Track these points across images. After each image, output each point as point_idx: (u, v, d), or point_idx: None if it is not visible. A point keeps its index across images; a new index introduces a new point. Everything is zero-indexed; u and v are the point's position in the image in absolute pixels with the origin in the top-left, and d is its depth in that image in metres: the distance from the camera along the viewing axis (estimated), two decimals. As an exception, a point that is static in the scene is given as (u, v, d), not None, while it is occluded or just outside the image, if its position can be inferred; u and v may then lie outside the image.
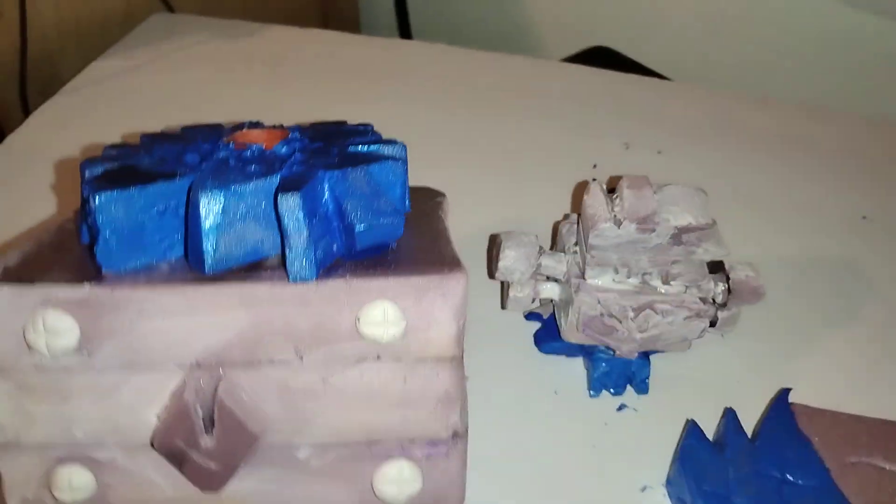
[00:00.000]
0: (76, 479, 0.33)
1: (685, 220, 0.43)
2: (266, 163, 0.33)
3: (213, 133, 0.38)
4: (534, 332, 0.50)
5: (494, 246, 0.47)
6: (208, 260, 0.31)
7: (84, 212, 0.33)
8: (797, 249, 0.58)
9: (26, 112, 0.72)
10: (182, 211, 0.32)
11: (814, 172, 0.66)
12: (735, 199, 0.62)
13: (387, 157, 0.34)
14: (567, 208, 0.60)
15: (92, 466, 0.33)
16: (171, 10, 0.83)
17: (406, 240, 0.35)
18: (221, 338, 0.32)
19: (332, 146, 0.35)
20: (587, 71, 0.80)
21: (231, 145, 0.35)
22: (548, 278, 0.47)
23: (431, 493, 0.34)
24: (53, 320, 0.31)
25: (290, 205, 0.30)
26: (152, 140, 0.37)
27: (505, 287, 0.48)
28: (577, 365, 0.49)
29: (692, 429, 0.42)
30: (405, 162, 0.35)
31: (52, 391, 0.32)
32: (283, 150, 0.35)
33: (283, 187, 0.31)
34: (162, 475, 0.33)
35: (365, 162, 0.33)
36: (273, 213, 0.32)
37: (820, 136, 0.70)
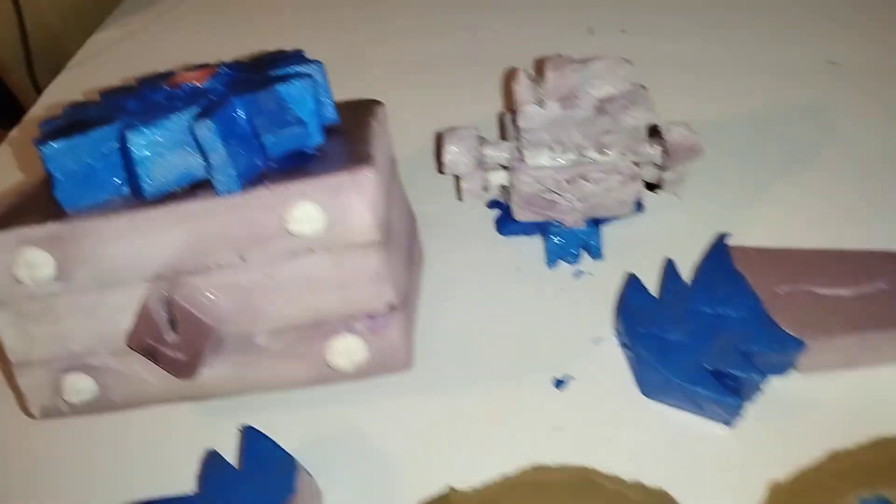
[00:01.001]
0: (79, 384, 0.39)
1: (606, 91, 0.46)
2: (191, 98, 0.38)
3: (158, 79, 0.42)
4: (495, 218, 0.54)
5: (440, 143, 0.51)
6: (146, 187, 0.36)
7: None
8: (760, 103, 0.60)
9: (38, 91, 0.78)
10: (120, 153, 0.37)
11: (777, 19, 0.66)
12: (701, 62, 0.63)
13: (295, 76, 0.38)
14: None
15: (91, 372, 0.39)
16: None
17: (331, 146, 0.39)
18: (171, 253, 0.37)
19: (256, 75, 0.39)
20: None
21: (166, 88, 0.40)
22: (501, 167, 0.51)
23: (378, 361, 0.40)
24: (31, 256, 0.37)
25: (204, 130, 0.35)
26: (107, 94, 0.42)
27: (457, 180, 0.52)
28: (537, 242, 0.52)
29: (631, 280, 0.46)
30: (315, 78, 0.39)
31: (45, 315, 0.38)
32: (210, 84, 0.40)
33: (198, 116, 0.36)
34: (149, 373, 0.39)
35: (274, 83, 0.38)
36: (198, 141, 0.37)
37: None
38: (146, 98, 0.39)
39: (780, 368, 0.42)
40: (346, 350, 0.39)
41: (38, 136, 0.37)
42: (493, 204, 0.55)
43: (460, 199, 0.52)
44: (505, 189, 0.53)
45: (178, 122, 0.36)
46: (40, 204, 0.39)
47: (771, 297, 0.43)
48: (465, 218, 0.55)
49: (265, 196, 0.36)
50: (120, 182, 0.38)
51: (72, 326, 0.39)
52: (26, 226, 0.37)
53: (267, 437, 0.39)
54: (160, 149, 0.36)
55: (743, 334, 0.42)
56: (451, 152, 0.49)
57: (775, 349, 0.41)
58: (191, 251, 0.37)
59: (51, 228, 0.36)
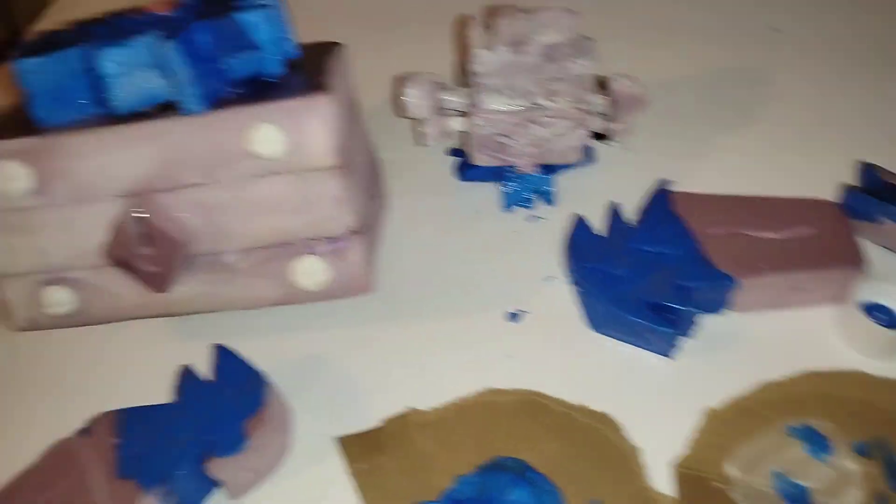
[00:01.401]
0: (58, 296, 0.42)
1: (554, 38, 0.49)
2: (156, 24, 0.40)
3: (127, 11, 0.45)
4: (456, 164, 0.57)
5: (399, 85, 0.54)
6: (115, 104, 0.39)
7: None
8: (706, 65, 0.62)
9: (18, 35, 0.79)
10: (92, 72, 0.40)
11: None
12: (651, 26, 0.66)
13: (252, 7, 0.41)
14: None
15: (69, 285, 0.42)
16: None
17: (291, 77, 0.42)
18: (141, 170, 0.40)
19: (218, 6, 0.42)
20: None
21: (134, 17, 0.43)
22: (459, 113, 0.53)
23: (341, 282, 0.42)
24: (8, 169, 0.39)
25: (168, 50, 0.38)
26: (79, 23, 0.45)
27: (415, 124, 0.55)
28: (495, 189, 0.55)
29: (578, 221, 0.49)
30: (273, 8, 0.41)
31: (25, 227, 0.41)
32: (175, 14, 0.42)
33: (163, 38, 0.38)
34: (125, 286, 0.42)
35: (232, 12, 0.40)
36: (162, 62, 0.39)
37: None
38: (115, 25, 0.42)
39: (716, 306, 0.45)
40: (310, 270, 0.42)
41: (14, 55, 0.40)
42: (453, 152, 0.58)
43: (419, 143, 0.55)
44: (463, 135, 0.56)
45: (144, 43, 0.39)
46: (17, 121, 0.41)
47: (706, 238, 0.46)
48: (427, 165, 0.57)
49: (228, 117, 0.39)
50: (89, 100, 0.40)
51: (50, 240, 0.41)
52: (3, 139, 0.39)
53: (237, 354, 0.41)
54: (127, 67, 0.39)
55: (680, 271, 0.44)
56: (410, 95, 0.51)
57: (710, 285, 0.44)
58: (160, 169, 0.40)
59: (27, 142, 0.39)
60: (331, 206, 0.41)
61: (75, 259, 0.42)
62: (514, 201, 0.53)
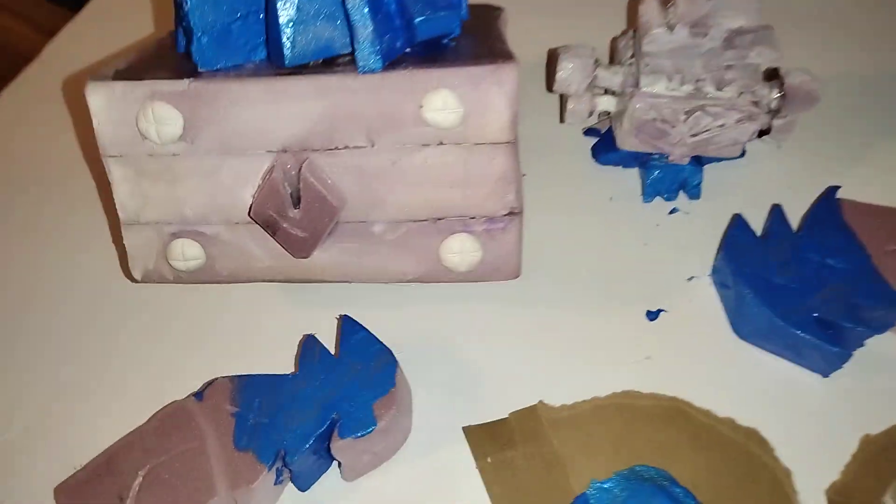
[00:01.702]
0: (188, 250, 0.39)
1: (737, 22, 0.45)
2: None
3: None
4: (591, 145, 0.53)
5: (553, 60, 0.50)
6: (287, 54, 0.35)
7: (178, 20, 0.37)
8: (882, 63, 0.58)
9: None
10: (262, 16, 0.36)
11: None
12: (826, 14, 0.61)
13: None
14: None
15: (201, 240, 0.39)
16: None
17: (464, 40, 0.38)
18: (302, 126, 0.36)
19: None
20: None
21: None
22: (606, 92, 0.50)
23: (490, 264, 0.39)
24: (160, 110, 0.36)
25: (355, 1, 0.34)
26: None
27: (563, 100, 0.51)
28: (633, 175, 0.52)
29: (737, 220, 0.45)
30: None
31: (164, 175, 0.38)
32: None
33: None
34: (259, 246, 0.39)
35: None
36: (342, 13, 0.36)
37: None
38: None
39: (882, 327, 0.42)
40: (461, 249, 0.38)
41: None
42: (588, 132, 0.54)
43: (563, 120, 0.51)
44: (607, 116, 0.52)
45: (328, -10, 0.35)
46: (168, 63, 0.38)
47: (880, 254, 0.43)
48: (562, 142, 0.54)
49: (406, 79, 0.36)
50: (255, 46, 0.37)
51: (188, 190, 0.38)
52: (160, 79, 0.36)
53: (365, 328, 0.39)
54: (306, 16, 0.35)
55: (850, 287, 0.41)
56: (566, 69, 0.48)
57: (882, 305, 0.41)
58: (322, 127, 0.36)
59: (185, 85, 0.36)
60: (496, 183, 0.38)
61: (212, 213, 0.38)
62: (656, 191, 0.50)
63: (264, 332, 0.42)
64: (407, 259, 0.39)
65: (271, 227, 0.37)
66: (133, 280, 0.41)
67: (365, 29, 0.34)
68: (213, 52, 0.36)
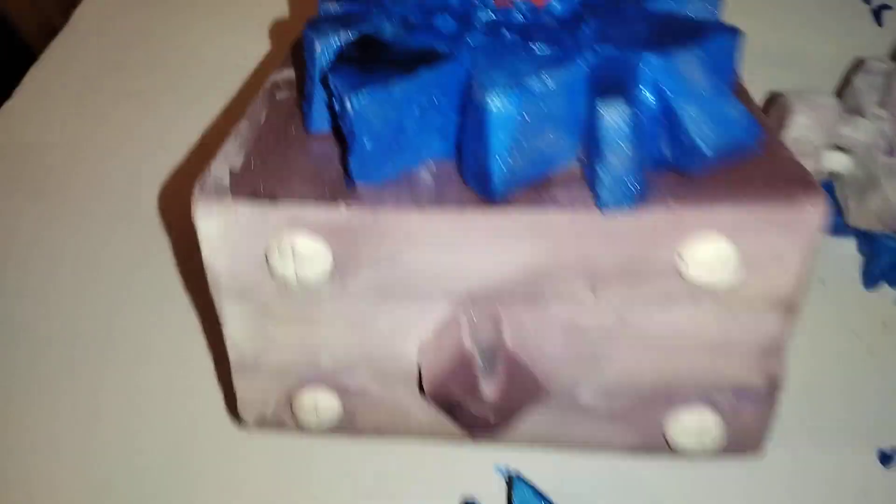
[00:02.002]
0: (322, 403, 0.29)
1: None
2: (551, 35, 0.24)
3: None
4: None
5: (776, 107, 0.38)
6: (496, 182, 0.24)
7: (310, 95, 0.26)
8: None
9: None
10: (444, 102, 0.25)
11: None
12: None
13: (717, 27, 0.25)
14: (863, 50, 0.46)
15: (339, 391, 0.29)
16: None
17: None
18: (502, 270, 0.25)
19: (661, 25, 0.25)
20: None
21: (489, 1, 0.26)
22: (836, 146, 0.38)
23: (729, 444, 0.29)
24: (303, 246, 0.25)
25: (616, 117, 0.22)
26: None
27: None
28: (849, 248, 0.41)
29: None
30: (737, 33, 0.25)
31: (298, 316, 0.27)
32: (560, 7, 0.26)
33: (602, 87, 0.22)
34: (416, 404, 0.29)
35: (692, 36, 0.24)
36: (573, 113, 0.24)
37: None
38: (464, 17, 0.26)
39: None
40: (698, 428, 0.28)
41: (320, 59, 0.24)
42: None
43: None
44: (832, 175, 0.41)
45: (561, 86, 0.23)
46: (304, 158, 0.26)
47: None
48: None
49: (663, 220, 0.24)
50: (423, 146, 0.25)
51: (328, 337, 0.27)
52: (304, 203, 0.24)
53: (542, 494, 0.30)
54: (528, 126, 0.23)
55: None
56: (800, 126, 0.36)
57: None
58: (528, 273, 0.25)
59: (341, 213, 0.24)
60: (761, 351, 0.27)
61: (357, 363, 0.28)
62: (885, 278, 0.39)
63: (412, 493, 0.33)
64: (617, 432, 0.29)
65: (452, 409, 0.26)
66: (241, 422, 0.30)
67: (620, 156, 0.23)
68: (378, 160, 0.24)
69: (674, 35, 0.24)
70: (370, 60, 0.24)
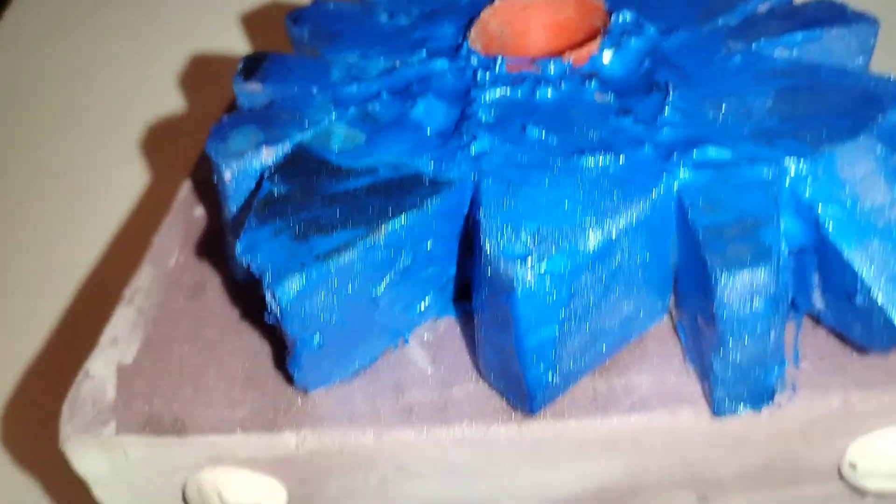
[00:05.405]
0: None
1: None
2: (606, 126, 0.14)
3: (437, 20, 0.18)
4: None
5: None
6: (536, 393, 0.14)
7: (228, 231, 0.16)
8: None
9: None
10: (440, 245, 0.15)
11: None
12: None
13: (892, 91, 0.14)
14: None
15: None
16: None
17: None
18: (548, 496, 0.16)
19: (716, 43, 0.15)
20: None
21: (498, 64, 0.16)
22: None
23: None
24: (237, 488, 0.16)
25: (744, 293, 0.12)
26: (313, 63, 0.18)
27: None
28: None
29: None
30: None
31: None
32: (618, 65, 0.16)
33: (719, 253, 0.12)
34: None
35: (866, 111, 0.14)
36: (659, 258, 0.14)
37: None
38: (457, 97, 0.16)
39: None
40: None
41: (244, 231, 0.14)
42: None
43: None
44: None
45: (626, 229, 0.13)
46: (229, 342, 0.17)
47: None
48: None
49: (825, 417, 0.15)
50: (404, 323, 0.16)
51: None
52: (232, 430, 0.15)
53: None
54: (582, 301, 0.13)
55: None
56: None
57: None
58: (601, 492, 0.16)
59: (291, 447, 0.15)
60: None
61: None
62: None
63: None
64: None
65: None
66: None
67: (750, 346, 0.13)
68: (336, 356, 0.15)
69: (833, 111, 0.14)
70: (307, 205, 0.14)
